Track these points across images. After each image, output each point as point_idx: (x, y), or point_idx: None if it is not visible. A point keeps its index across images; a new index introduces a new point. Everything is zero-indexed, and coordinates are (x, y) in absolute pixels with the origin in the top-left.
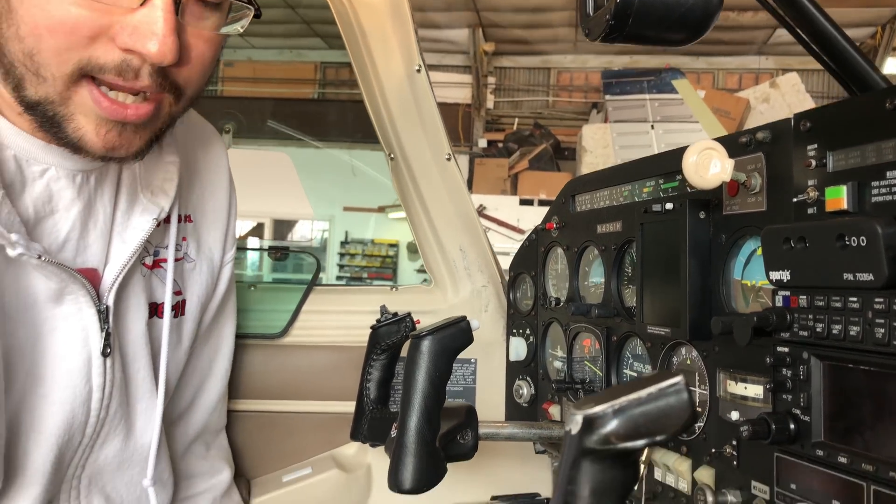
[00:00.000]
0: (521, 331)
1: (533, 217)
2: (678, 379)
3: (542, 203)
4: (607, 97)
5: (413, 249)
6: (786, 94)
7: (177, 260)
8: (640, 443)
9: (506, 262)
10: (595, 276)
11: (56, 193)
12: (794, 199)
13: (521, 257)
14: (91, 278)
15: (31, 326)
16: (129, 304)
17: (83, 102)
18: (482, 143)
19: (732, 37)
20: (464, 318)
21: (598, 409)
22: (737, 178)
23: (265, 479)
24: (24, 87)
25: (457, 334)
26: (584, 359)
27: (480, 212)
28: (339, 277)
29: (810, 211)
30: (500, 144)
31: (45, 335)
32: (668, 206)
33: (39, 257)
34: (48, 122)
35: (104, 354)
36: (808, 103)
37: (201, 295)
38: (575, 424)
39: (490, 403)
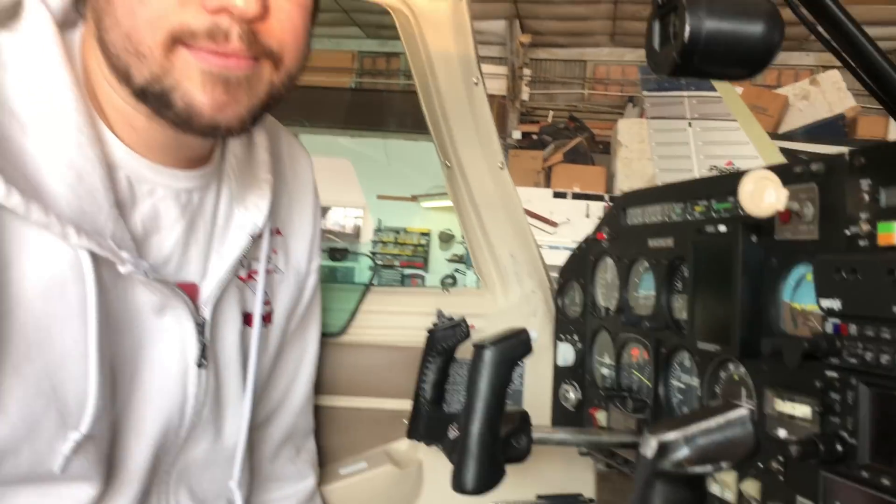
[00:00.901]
0: (568, 336)
1: (566, 210)
2: (744, 413)
3: (576, 196)
4: (644, 93)
5: (444, 239)
6: (826, 91)
7: (267, 272)
8: (708, 468)
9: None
10: (645, 288)
11: (162, 212)
12: (847, 231)
13: (571, 265)
14: (190, 292)
15: (135, 337)
16: (224, 316)
17: (184, 67)
18: (516, 134)
19: None
20: (524, 331)
21: (671, 435)
22: (790, 208)
23: (323, 472)
24: (131, 76)
25: (517, 345)
26: (632, 367)
27: None
28: (371, 267)
29: (862, 243)
30: (535, 136)
31: (147, 345)
32: (721, 228)
33: (146, 274)
34: (158, 102)
35: (199, 365)
36: (849, 101)
37: (287, 304)
38: (650, 449)
39: (537, 405)
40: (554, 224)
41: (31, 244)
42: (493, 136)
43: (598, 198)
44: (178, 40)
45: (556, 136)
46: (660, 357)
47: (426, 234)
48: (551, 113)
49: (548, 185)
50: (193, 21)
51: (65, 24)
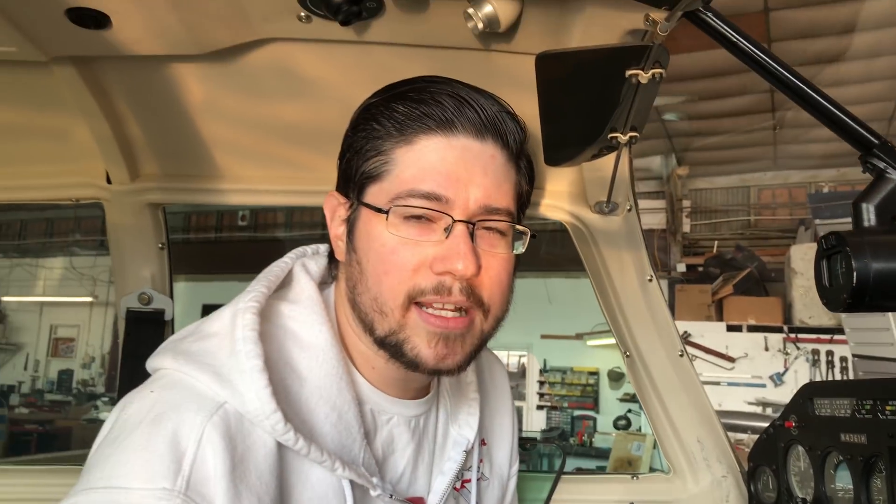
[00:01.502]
0: None
1: (742, 344)
2: None
3: (751, 329)
4: (817, 221)
5: (614, 377)
6: None
7: (477, 480)
8: None
9: (714, 394)
10: (841, 481)
11: (397, 437)
12: None
13: (761, 450)
14: None
15: None
16: None
17: (415, 325)
18: (681, 267)
19: None
20: None
21: None
22: None
23: None
24: (374, 329)
25: None
26: None
27: (686, 339)
28: (539, 407)
29: None
30: (700, 269)
31: None
32: None
33: (390, 496)
34: (393, 350)
35: None
36: None
37: None
38: None
39: None
40: (731, 359)
41: (306, 475)
42: (671, 325)
43: (777, 329)
44: (412, 299)
45: (723, 267)
46: None
47: (594, 373)
48: (716, 243)
49: (720, 318)
50: (423, 282)
51: (321, 284)
